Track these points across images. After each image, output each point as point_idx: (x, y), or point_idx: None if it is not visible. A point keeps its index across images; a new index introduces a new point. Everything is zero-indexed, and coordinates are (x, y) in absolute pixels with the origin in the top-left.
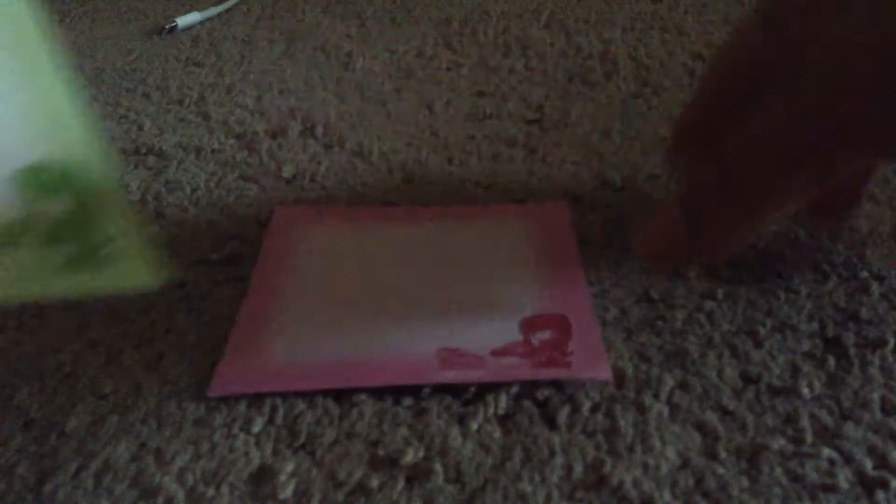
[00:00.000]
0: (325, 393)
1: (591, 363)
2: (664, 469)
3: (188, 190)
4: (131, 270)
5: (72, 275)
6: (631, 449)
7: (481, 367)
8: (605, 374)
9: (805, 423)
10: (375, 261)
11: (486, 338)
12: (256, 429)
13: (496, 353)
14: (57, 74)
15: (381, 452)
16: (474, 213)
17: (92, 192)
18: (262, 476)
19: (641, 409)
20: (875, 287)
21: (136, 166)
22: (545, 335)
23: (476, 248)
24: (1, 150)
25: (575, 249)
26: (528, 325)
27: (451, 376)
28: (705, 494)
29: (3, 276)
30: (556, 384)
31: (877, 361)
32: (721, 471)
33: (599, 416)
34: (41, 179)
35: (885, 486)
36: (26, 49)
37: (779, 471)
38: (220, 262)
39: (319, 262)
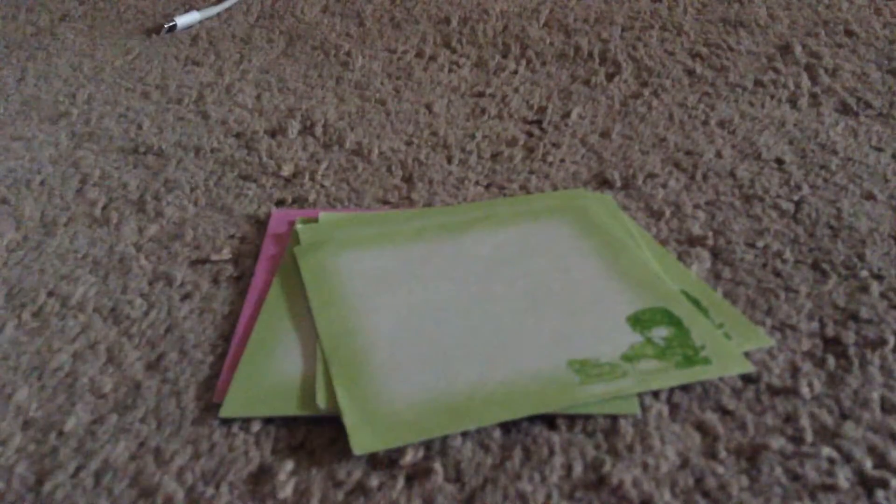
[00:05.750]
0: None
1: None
2: (664, 469)
3: (187, 189)
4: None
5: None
6: (631, 449)
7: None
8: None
9: (805, 422)
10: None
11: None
12: (255, 428)
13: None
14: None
15: (380, 452)
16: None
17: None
18: (262, 475)
19: (641, 409)
20: (875, 287)
21: (135, 165)
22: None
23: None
24: None
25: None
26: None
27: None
28: (705, 494)
29: None
30: None
31: (877, 361)
32: (721, 470)
33: (599, 416)
34: None
35: (884, 485)
36: None
37: (779, 470)
38: (220, 262)
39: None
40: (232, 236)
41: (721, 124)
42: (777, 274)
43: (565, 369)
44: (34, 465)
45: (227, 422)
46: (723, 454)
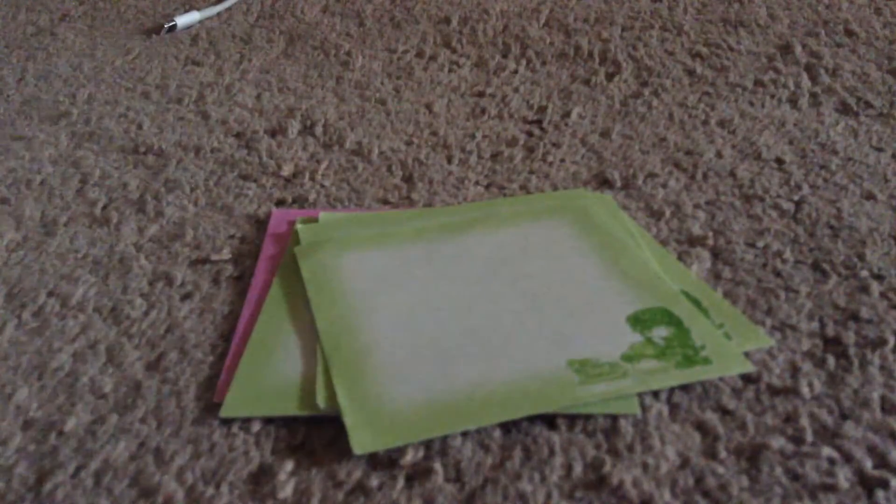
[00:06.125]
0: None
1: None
2: (664, 469)
3: (187, 189)
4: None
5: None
6: (631, 449)
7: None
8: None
9: (805, 422)
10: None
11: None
12: (255, 428)
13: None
14: None
15: (380, 451)
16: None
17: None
18: (262, 475)
19: (641, 409)
20: (875, 287)
21: (135, 165)
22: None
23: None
24: None
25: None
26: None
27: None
28: (705, 494)
29: None
30: None
31: (877, 361)
32: (721, 470)
33: (599, 416)
34: None
35: (885, 485)
36: None
37: (779, 470)
38: (220, 262)
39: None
40: (232, 236)
41: (721, 124)
42: (777, 274)
43: (565, 369)
44: (34, 465)
45: (227, 422)
46: (723, 454)
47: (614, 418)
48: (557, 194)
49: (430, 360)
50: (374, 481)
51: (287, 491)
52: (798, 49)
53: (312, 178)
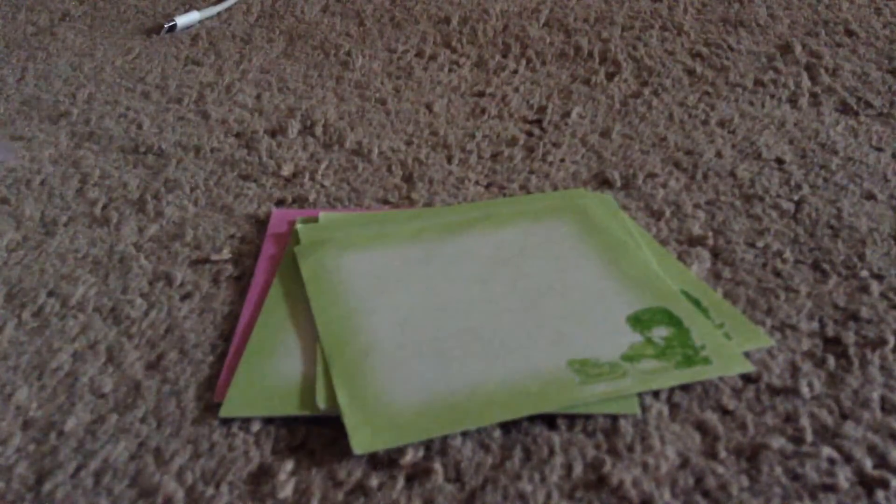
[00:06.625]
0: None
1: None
2: (664, 468)
3: (187, 189)
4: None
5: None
6: (631, 449)
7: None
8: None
9: (805, 422)
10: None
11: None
12: (255, 428)
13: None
14: None
15: (380, 451)
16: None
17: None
18: (262, 475)
19: (641, 409)
20: (875, 287)
21: (135, 165)
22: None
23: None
24: None
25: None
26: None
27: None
28: (705, 494)
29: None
30: None
31: (877, 361)
32: (721, 470)
33: (599, 416)
34: None
35: (885, 485)
36: None
37: (779, 470)
38: (220, 262)
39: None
40: (232, 236)
41: (721, 124)
42: (777, 274)
43: (565, 369)
44: (34, 465)
45: (227, 422)
46: (723, 454)
47: (614, 418)
48: (557, 194)
49: (430, 360)
50: (374, 481)
51: (287, 491)
52: (798, 49)
53: (312, 178)
